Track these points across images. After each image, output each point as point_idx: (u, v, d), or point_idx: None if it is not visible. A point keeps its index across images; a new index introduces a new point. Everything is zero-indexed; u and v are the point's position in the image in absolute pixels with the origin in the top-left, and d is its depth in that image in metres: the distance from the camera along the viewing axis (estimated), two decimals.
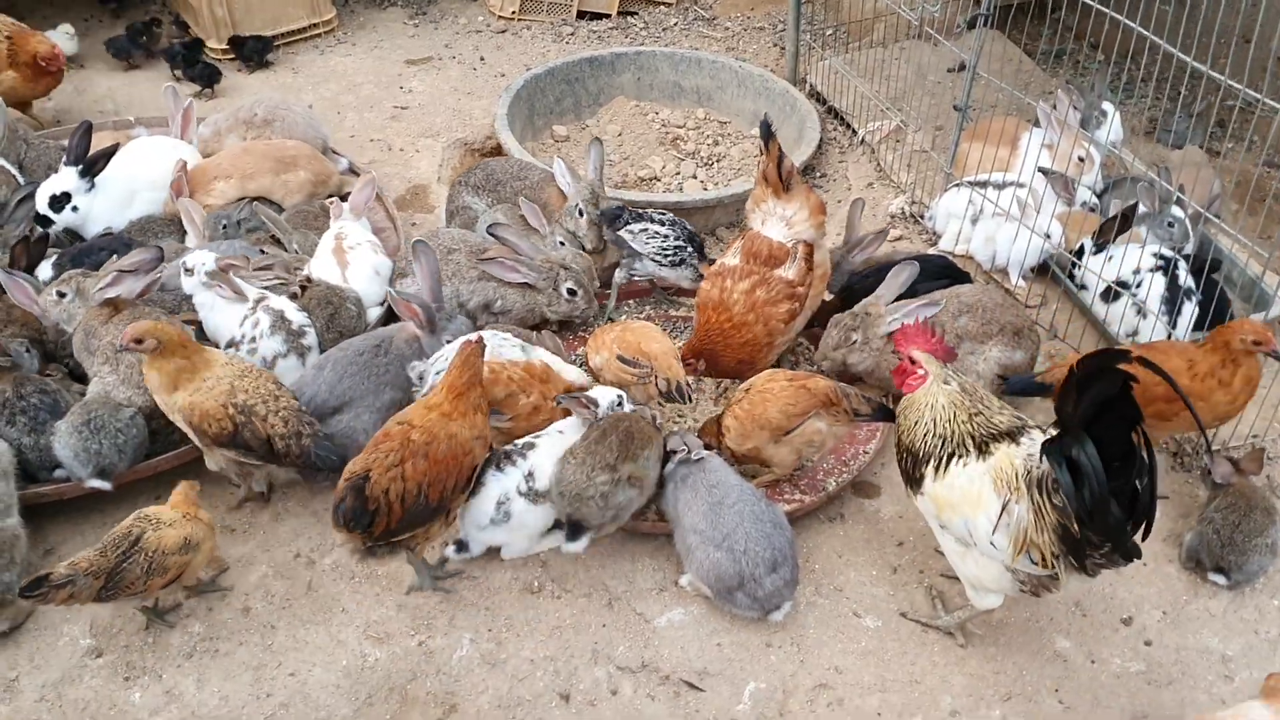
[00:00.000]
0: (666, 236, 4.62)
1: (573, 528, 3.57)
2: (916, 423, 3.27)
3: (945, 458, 3.19)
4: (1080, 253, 4.71)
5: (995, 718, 3.31)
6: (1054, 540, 3.01)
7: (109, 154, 4.74)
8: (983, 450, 3.14)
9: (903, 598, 3.66)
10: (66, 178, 4.67)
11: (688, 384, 3.93)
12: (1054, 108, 5.13)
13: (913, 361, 3.32)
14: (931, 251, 4.99)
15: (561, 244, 4.69)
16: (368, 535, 3.28)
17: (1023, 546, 3.06)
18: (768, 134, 4.14)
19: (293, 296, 4.22)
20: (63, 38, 6.41)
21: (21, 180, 4.88)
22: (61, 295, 4.01)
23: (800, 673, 3.41)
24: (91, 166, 4.68)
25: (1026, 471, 3.06)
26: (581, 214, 4.69)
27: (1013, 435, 3.15)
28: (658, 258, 4.62)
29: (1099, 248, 4.63)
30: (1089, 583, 3.29)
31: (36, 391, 3.80)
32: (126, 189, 4.83)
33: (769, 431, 3.72)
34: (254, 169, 4.93)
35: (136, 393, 3.76)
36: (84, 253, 4.45)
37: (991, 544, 3.10)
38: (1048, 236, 4.77)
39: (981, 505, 3.10)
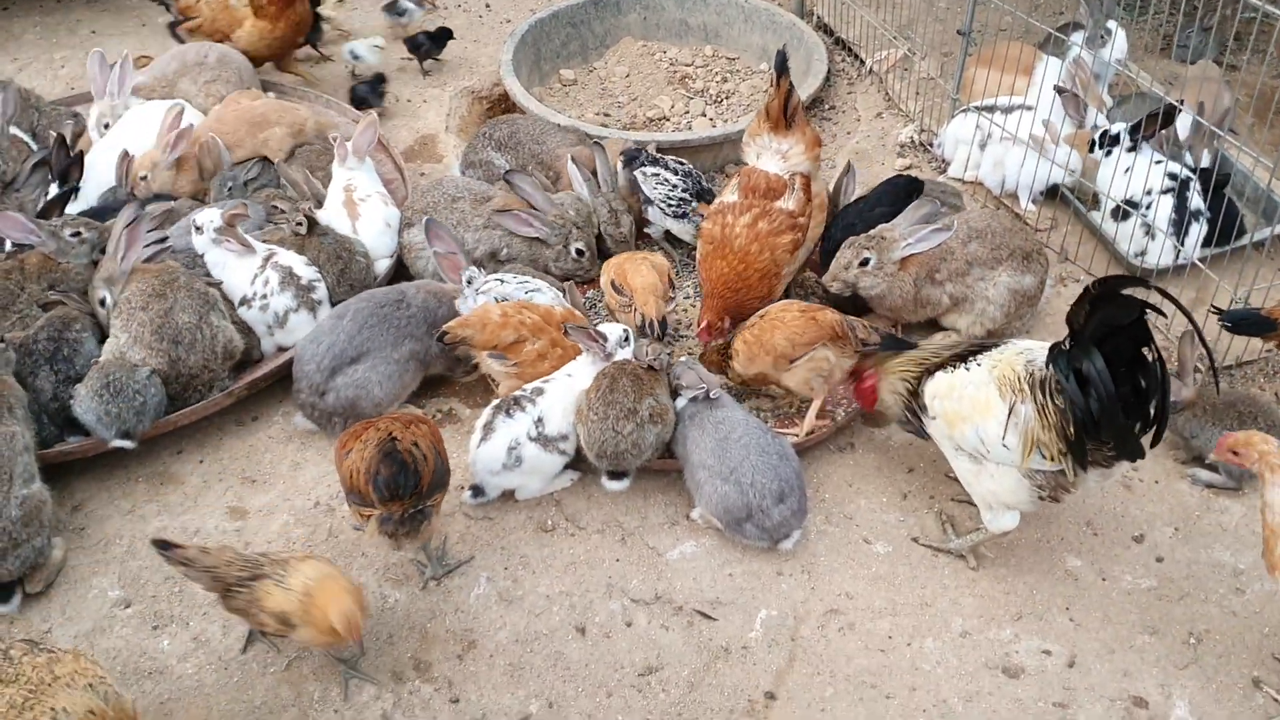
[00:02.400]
0: (675, 186, 4.59)
1: (611, 470, 3.68)
2: (890, 384, 3.59)
3: (933, 369, 3.41)
4: (1114, 140, 4.61)
5: (1006, 637, 3.35)
6: (1057, 439, 3.12)
7: (78, 161, 4.66)
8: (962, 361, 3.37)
9: (913, 523, 3.69)
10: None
11: (662, 321, 3.99)
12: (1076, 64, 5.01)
13: (859, 375, 3.75)
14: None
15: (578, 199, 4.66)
16: (414, 498, 3.20)
17: (1031, 445, 3.16)
18: (782, 68, 4.08)
19: (294, 233, 4.28)
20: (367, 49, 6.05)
21: (35, 148, 4.93)
22: (76, 235, 4.16)
23: (811, 599, 3.46)
24: (65, 176, 4.60)
25: (1029, 374, 3.18)
26: (582, 253, 4.53)
27: (964, 357, 3.39)
28: (663, 205, 4.61)
29: (1134, 144, 4.55)
30: (1107, 478, 3.32)
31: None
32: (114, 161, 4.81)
33: (774, 358, 3.77)
34: (231, 138, 4.88)
35: (150, 353, 3.83)
36: (99, 215, 4.52)
37: (1004, 446, 3.19)
38: (1072, 172, 4.72)
39: (990, 410, 3.21)
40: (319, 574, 3.08)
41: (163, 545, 3.16)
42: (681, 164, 4.69)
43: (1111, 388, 2.98)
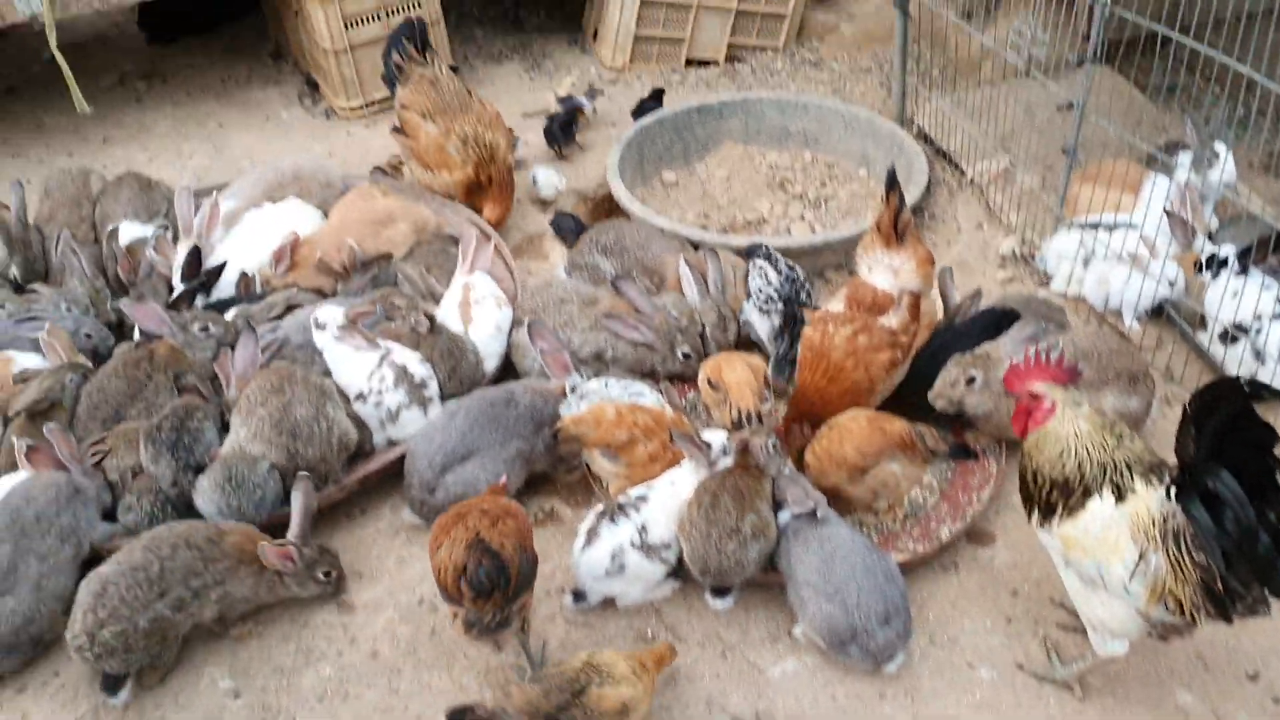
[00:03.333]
0: (770, 283, 4.67)
1: (715, 589, 3.72)
2: (1062, 453, 3.11)
3: (1088, 490, 3.09)
4: (1221, 263, 4.58)
5: None
6: (1196, 593, 2.96)
7: (217, 272, 4.86)
8: (1127, 484, 3.04)
9: (1018, 648, 3.65)
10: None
11: (757, 414, 4.01)
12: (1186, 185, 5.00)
13: (1034, 396, 3.18)
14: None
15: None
16: (504, 596, 3.22)
17: (1160, 595, 3.02)
18: (891, 184, 4.16)
19: (414, 329, 4.43)
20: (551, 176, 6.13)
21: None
22: (204, 329, 4.37)
23: None
24: (207, 287, 4.82)
25: (1163, 520, 2.99)
26: (689, 356, 4.59)
27: (1156, 471, 3.06)
28: (754, 295, 4.71)
29: (1243, 268, 4.53)
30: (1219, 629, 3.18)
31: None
32: (241, 267, 4.99)
33: (846, 470, 3.79)
34: (358, 236, 5.04)
35: (268, 447, 3.97)
36: (227, 306, 4.75)
37: (1126, 590, 3.06)
38: (1171, 284, 4.71)
39: (1118, 552, 3.05)
40: (618, 656, 3.22)
41: (458, 714, 3.03)
42: (792, 268, 4.76)
43: (1245, 501, 2.79)
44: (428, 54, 5.75)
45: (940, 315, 4.46)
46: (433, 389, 4.34)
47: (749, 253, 4.78)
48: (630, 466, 3.90)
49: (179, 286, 4.77)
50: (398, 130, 5.77)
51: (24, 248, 5.06)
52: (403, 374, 4.27)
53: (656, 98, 6.65)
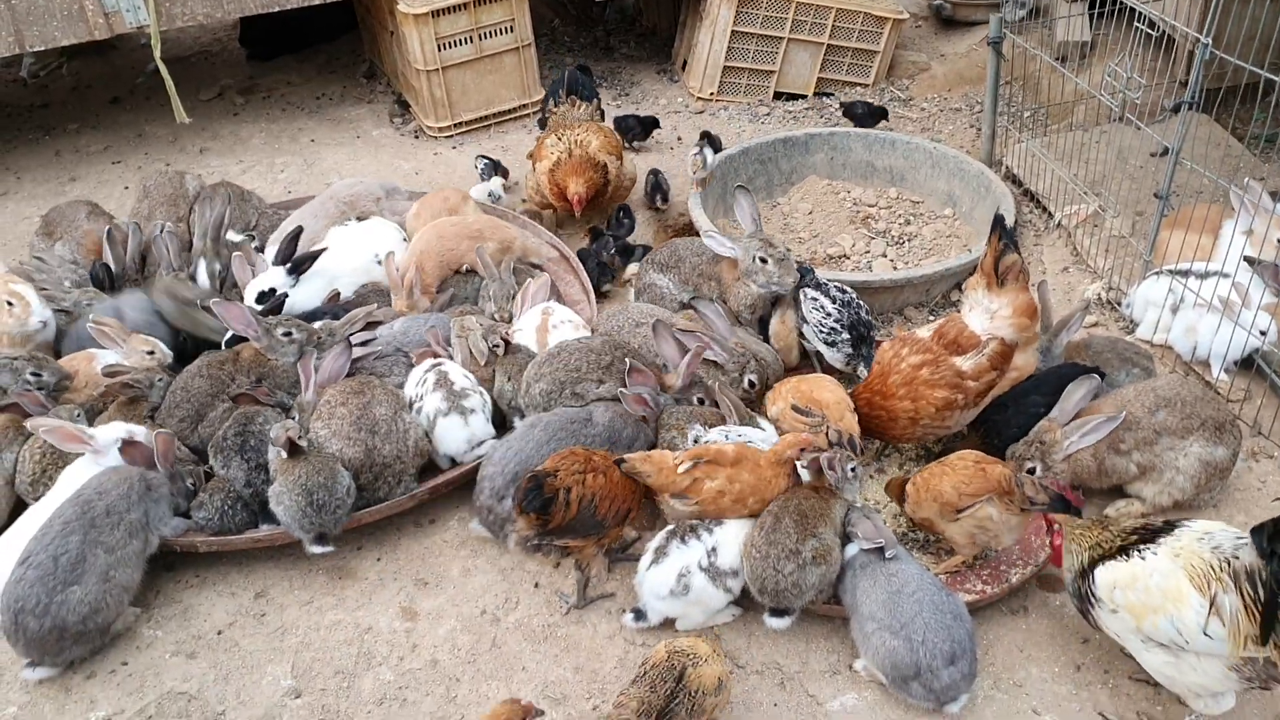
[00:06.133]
0: (829, 314, 4.66)
1: (774, 609, 3.67)
2: (1071, 554, 3.47)
3: (1110, 556, 3.31)
4: None
5: None
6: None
7: (315, 255, 5.03)
8: (1131, 541, 3.30)
9: (1086, 698, 3.55)
10: (274, 275, 4.96)
11: (859, 437, 3.98)
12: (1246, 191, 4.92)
13: (1049, 524, 3.64)
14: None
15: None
16: (542, 524, 3.60)
17: (1244, 640, 3.02)
18: (998, 227, 4.12)
19: (494, 348, 4.48)
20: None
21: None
22: (288, 334, 4.45)
23: None
24: (299, 267, 4.97)
25: (1225, 562, 3.07)
26: (765, 259, 4.75)
27: (1156, 533, 3.29)
28: (814, 328, 4.69)
29: None
30: None
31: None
32: (328, 279, 5.12)
33: (940, 505, 3.75)
34: (453, 253, 5.19)
35: (347, 444, 4.04)
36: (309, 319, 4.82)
37: (1206, 635, 3.06)
38: (1263, 334, 4.58)
39: (1183, 598, 3.10)
40: (694, 640, 3.33)
41: None
42: (844, 292, 4.75)
43: None
44: (576, 98, 6.26)
45: (1037, 368, 4.37)
46: (474, 402, 4.33)
47: (801, 275, 4.79)
48: (701, 504, 3.85)
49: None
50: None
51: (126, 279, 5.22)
52: (442, 379, 4.31)
53: (646, 126, 6.92)
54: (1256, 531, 3.03)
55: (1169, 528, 3.29)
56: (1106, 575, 3.28)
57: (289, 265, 4.96)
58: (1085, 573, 3.36)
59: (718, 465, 3.83)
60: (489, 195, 6.21)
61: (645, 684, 3.15)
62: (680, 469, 3.77)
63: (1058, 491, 3.73)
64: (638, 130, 6.90)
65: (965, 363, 4.10)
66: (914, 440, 4.32)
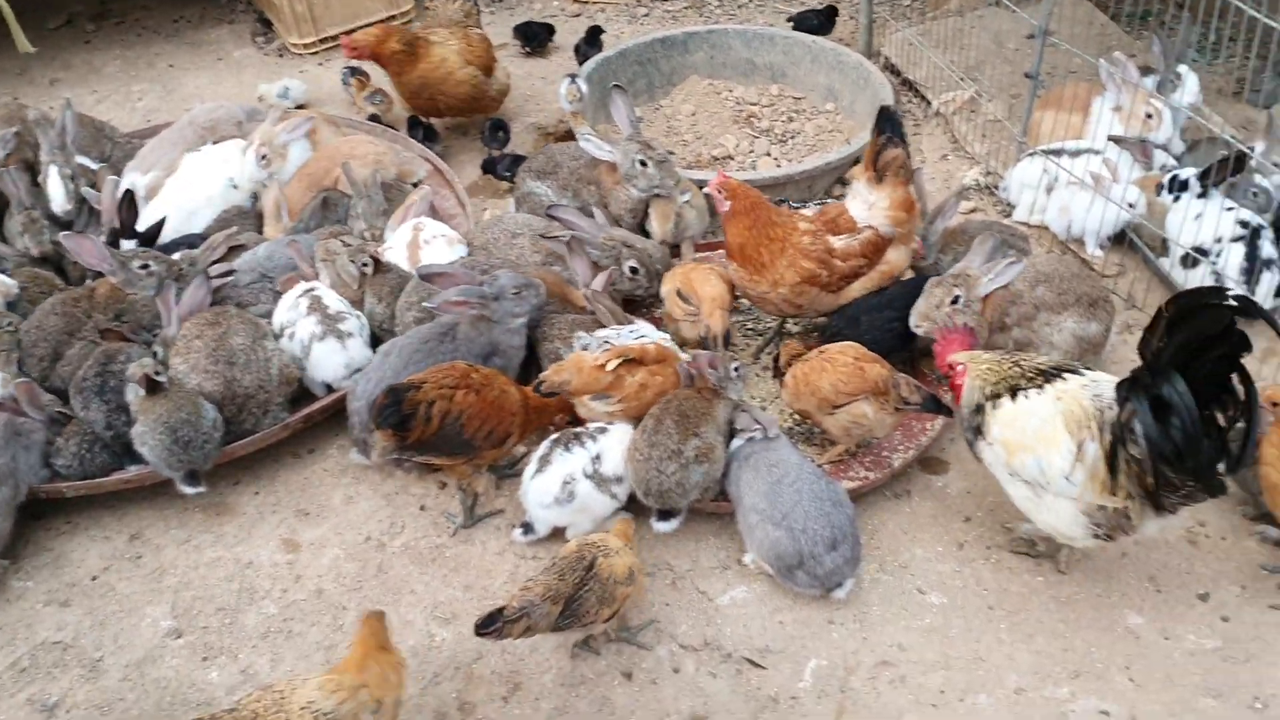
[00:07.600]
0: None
1: (660, 511, 3.66)
2: (970, 389, 3.42)
3: (1001, 395, 3.32)
4: (1183, 186, 4.53)
5: (1063, 695, 3.25)
6: (1129, 482, 3.10)
7: (159, 226, 4.72)
8: (1034, 382, 3.29)
9: (969, 574, 3.60)
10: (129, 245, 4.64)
11: (724, 337, 3.99)
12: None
13: (951, 367, 3.52)
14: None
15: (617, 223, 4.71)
16: (400, 439, 3.49)
17: (1102, 485, 3.12)
18: (881, 120, 4.09)
19: (363, 268, 4.33)
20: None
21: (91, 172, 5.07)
22: (144, 267, 4.26)
23: (863, 650, 3.39)
24: (151, 240, 4.66)
25: (1098, 412, 3.14)
26: (645, 163, 4.66)
27: (1059, 373, 3.29)
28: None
29: (1204, 190, 4.46)
30: (1169, 525, 3.23)
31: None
32: (186, 211, 4.91)
33: (818, 400, 3.75)
34: (325, 171, 5.03)
35: (205, 377, 3.90)
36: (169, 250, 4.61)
37: (1066, 480, 3.16)
38: (1131, 206, 4.62)
39: (1055, 443, 3.17)
40: (603, 534, 3.33)
41: (487, 622, 2.99)
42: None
43: (1195, 413, 2.91)
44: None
45: (908, 272, 4.38)
46: (351, 325, 4.19)
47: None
48: (623, 401, 3.79)
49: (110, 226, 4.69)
50: None
51: None
52: (315, 303, 4.16)
53: (593, 39, 6.53)
54: (1125, 384, 3.09)
55: (1071, 372, 3.31)
56: (996, 412, 3.32)
57: (139, 239, 4.63)
58: (980, 408, 3.38)
59: (639, 364, 3.77)
60: (282, 93, 6.14)
61: (554, 572, 3.13)
62: (609, 367, 3.70)
63: (930, 392, 3.75)
64: (544, 36, 6.76)
65: (838, 241, 4.09)
66: (768, 307, 4.29)
